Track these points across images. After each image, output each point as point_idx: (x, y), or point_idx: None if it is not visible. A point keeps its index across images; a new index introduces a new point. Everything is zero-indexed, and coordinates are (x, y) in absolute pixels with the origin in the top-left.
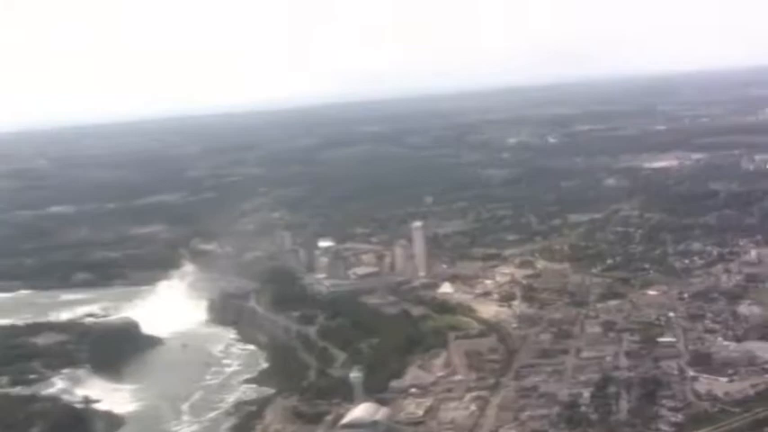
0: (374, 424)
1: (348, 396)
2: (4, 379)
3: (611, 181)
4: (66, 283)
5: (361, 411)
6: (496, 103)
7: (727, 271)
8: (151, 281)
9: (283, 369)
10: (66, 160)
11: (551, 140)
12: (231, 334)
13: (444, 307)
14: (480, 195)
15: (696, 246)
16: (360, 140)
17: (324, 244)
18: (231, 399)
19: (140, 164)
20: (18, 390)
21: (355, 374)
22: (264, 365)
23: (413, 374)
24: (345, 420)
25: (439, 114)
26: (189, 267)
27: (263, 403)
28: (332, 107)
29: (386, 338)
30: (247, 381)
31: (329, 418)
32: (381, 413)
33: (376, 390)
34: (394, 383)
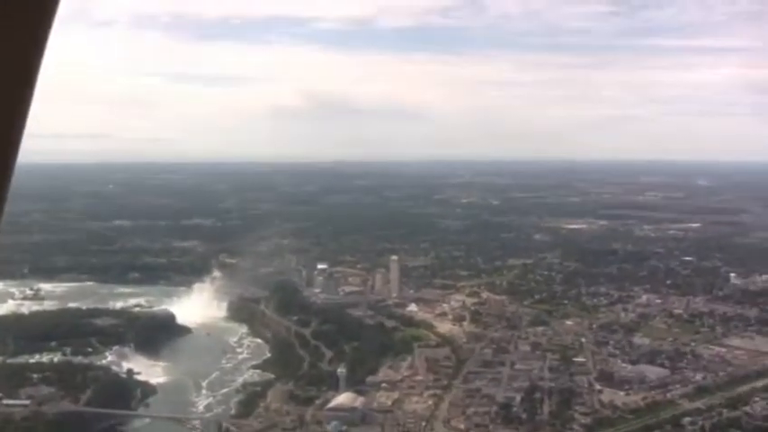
0: (353, 410)
1: (334, 386)
2: (69, 349)
3: (538, 236)
4: (122, 279)
5: (343, 399)
6: (454, 170)
7: (625, 310)
8: (187, 283)
9: (283, 360)
10: (130, 187)
11: (494, 202)
12: (244, 329)
13: (411, 322)
14: (439, 239)
15: (602, 289)
16: (350, 190)
17: (320, 266)
18: (240, 380)
19: (185, 195)
20: (78, 359)
21: (341, 369)
22: (268, 356)
23: (384, 373)
24: (331, 405)
25: (410, 176)
26: (216, 275)
27: (265, 386)
28: (328, 164)
29: (365, 343)
30: (254, 366)
31: (318, 402)
32: (359, 401)
33: (356, 382)
34: (370, 378)
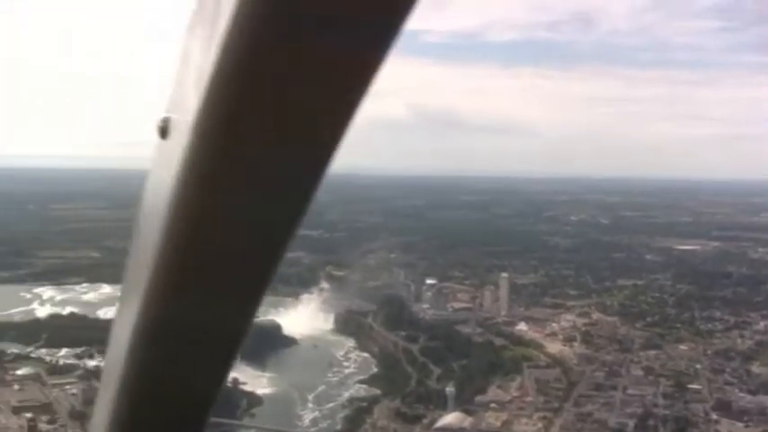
0: (462, 430)
1: (442, 405)
2: None
3: (649, 256)
4: None
5: (452, 419)
6: (563, 187)
7: (741, 336)
8: (294, 294)
9: (389, 375)
10: None
11: (603, 221)
12: (351, 342)
13: (520, 341)
14: (548, 257)
15: (717, 313)
16: (457, 206)
17: (429, 281)
18: (346, 394)
19: None
20: None
21: (450, 388)
22: (375, 370)
23: (493, 392)
24: (439, 424)
25: (518, 192)
26: (323, 287)
27: (371, 401)
28: (434, 178)
29: (473, 361)
30: (360, 381)
31: (426, 421)
32: (468, 421)
33: (464, 402)
34: (478, 398)
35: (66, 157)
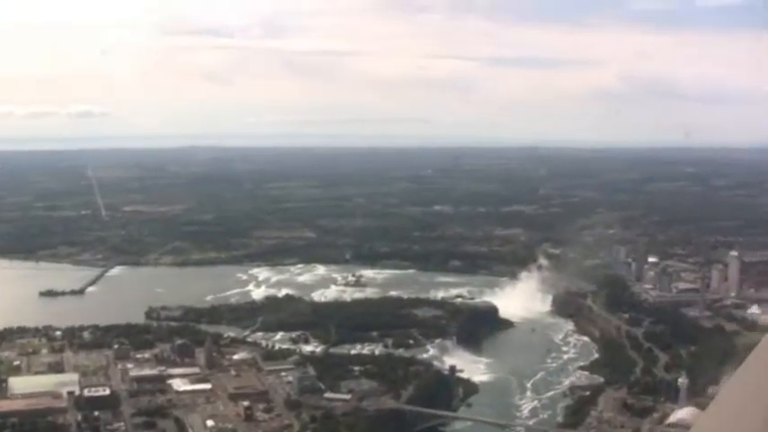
0: None
1: (671, 397)
2: (390, 341)
3: None
4: (442, 267)
5: (684, 414)
6: None
7: None
8: (508, 273)
9: (612, 362)
10: (448, 172)
11: None
12: (569, 325)
13: (754, 326)
14: None
15: None
16: (675, 178)
17: (651, 260)
18: (566, 382)
19: (504, 180)
20: (400, 351)
21: (683, 380)
22: (596, 356)
23: None
24: (671, 420)
25: (740, 163)
26: (539, 266)
27: (594, 390)
28: (651, 150)
29: (702, 348)
30: (581, 368)
31: (656, 415)
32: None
33: (694, 394)
34: (711, 390)
35: (278, 136)
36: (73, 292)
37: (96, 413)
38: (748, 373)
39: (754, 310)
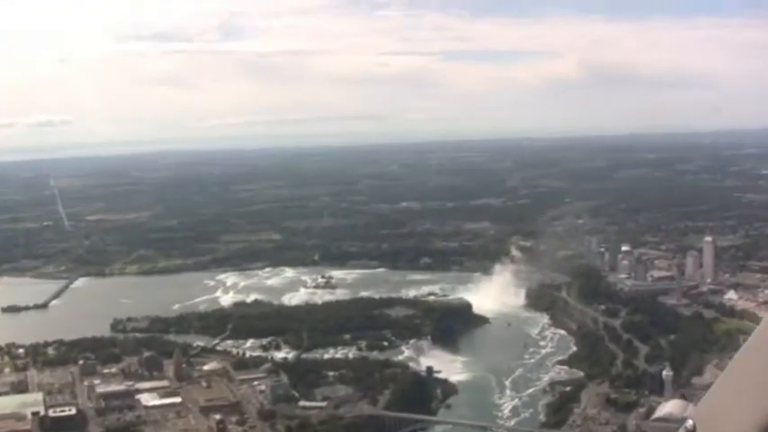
0: (684, 420)
1: (655, 389)
2: (363, 343)
3: None
4: (413, 265)
5: (671, 407)
6: (743, 141)
7: None
8: (480, 268)
9: (592, 355)
10: (414, 167)
11: None
12: (545, 319)
13: (732, 312)
14: (745, 216)
15: None
16: (640, 165)
17: (624, 248)
18: (546, 378)
19: (470, 173)
20: (375, 354)
21: (667, 372)
22: (574, 349)
23: (711, 373)
24: (657, 414)
25: (701, 148)
26: (511, 259)
27: (575, 386)
28: (613, 138)
29: (682, 336)
30: (560, 362)
31: (642, 410)
32: (690, 410)
33: (679, 385)
34: (695, 380)
35: (241, 138)
36: (36, 307)
37: None
38: (749, 356)
39: (731, 295)
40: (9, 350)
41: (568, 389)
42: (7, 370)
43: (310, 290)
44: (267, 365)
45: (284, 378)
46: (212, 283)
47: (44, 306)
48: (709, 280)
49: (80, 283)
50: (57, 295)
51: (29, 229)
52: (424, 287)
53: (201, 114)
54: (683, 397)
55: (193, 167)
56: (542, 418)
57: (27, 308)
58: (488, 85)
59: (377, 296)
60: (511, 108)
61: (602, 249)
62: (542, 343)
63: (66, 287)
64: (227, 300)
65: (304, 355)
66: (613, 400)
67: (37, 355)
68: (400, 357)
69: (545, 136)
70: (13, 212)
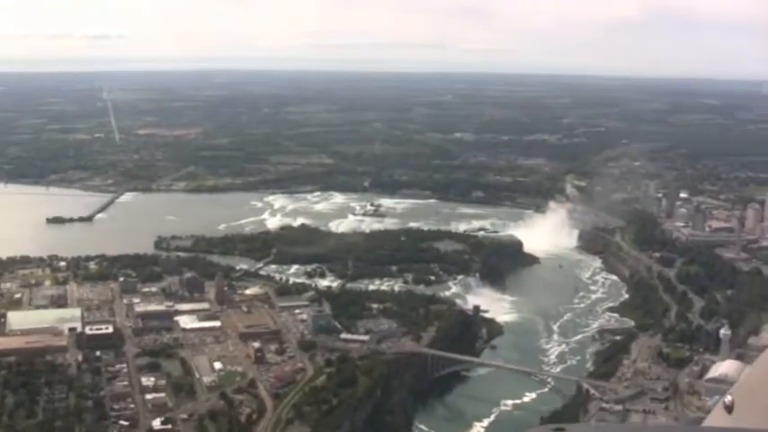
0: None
1: (710, 347)
2: (410, 276)
3: None
4: (464, 198)
5: (727, 368)
6: None
7: None
8: (533, 206)
9: (644, 304)
10: (470, 98)
11: None
12: (597, 263)
13: None
14: None
15: None
16: (699, 110)
17: (683, 195)
18: (595, 325)
19: (526, 108)
20: (421, 288)
21: (725, 331)
22: (626, 297)
23: None
24: (712, 374)
25: (761, 96)
26: (564, 199)
27: (625, 335)
28: (672, 81)
29: (740, 292)
30: (610, 309)
31: (695, 368)
32: (746, 372)
33: (734, 345)
34: (752, 340)
35: (296, 59)
36: (81, 219)
37: (98, 353)
38: None
39: None
40: (51, 262)
41: (618, 338)
42: (48, 282)
43: (358, 217)
44: (310, 293)
45: (327, 308)
46: (260, 204)
47: (89, 219)
48: None
49: (127, 197)
50: (103, 209)
51: (79, 140)
52: (474, 221)
53: (258, 33)
54: (739, 357)
55: (246, 87)
56: (590, 366)
57: (72, 220)
58: (552, 19)
59: (426, 228)
60: (571, 45)
61: (660, 195)
62: (593, 288)
63: (113, 201)
64: (273, 222)
65: (348, 285)
66: (665, 355)
67: (78, 268)
68: (447, 293)
69: (604, 74)
70: (65, 123)
